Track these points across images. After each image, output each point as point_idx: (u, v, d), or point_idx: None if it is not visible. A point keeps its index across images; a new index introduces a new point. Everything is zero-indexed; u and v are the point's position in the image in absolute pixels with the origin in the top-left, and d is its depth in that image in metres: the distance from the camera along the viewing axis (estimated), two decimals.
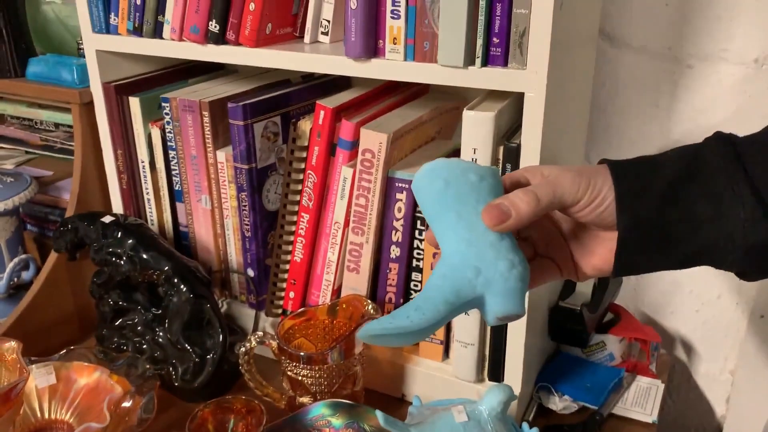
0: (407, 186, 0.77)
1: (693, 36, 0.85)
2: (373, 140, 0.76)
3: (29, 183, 0.98)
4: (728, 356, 0.94)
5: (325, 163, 0.80)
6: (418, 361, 0.83)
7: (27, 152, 1.17)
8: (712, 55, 0.84)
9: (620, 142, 0.93)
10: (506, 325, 0.74)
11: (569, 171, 0.47)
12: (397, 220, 0.79)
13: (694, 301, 0.94)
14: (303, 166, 0.82)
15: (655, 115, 0.90)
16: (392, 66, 0.70)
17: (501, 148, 0.68)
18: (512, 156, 0.68)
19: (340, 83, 0.91)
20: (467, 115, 0.68)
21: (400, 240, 0.80)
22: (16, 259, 0.97)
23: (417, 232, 0.79)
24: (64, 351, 0.83)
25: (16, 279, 0.99)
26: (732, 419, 0.95)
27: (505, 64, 0.64)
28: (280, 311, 0.90)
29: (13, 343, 0.57)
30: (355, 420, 0.70)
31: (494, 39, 0.64)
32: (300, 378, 0.75)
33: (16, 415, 0.54)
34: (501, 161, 0.69)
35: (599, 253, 0.51)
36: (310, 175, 0.81)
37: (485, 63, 0.65)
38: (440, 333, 0.81)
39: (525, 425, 0.64)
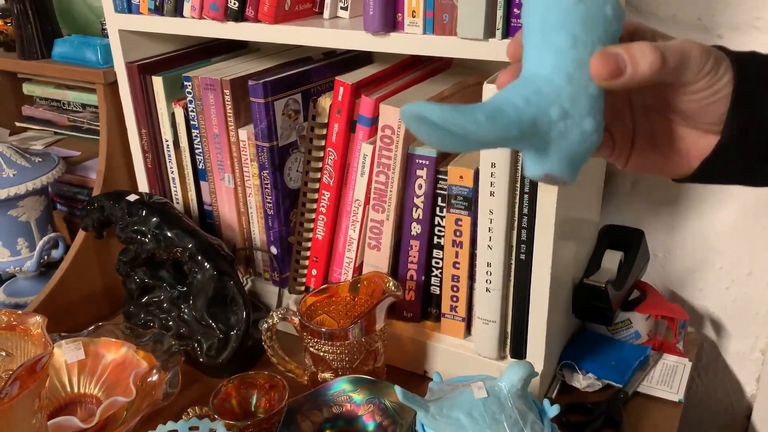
0: (427, 162, 0.76)
1: (723, 5, 0.82)
2: (393, 116, 0.75)
3: (57, 163, 1.00)
4: (759, 334, 0.92)
5: (345, 140, 0.80)
6: (439, 337, 0.83)
7: (55, 133, 1.19)
8: (745, 24, 0.81)
9: None
10: (528, 302, 0.74)
11: (697, 44, 0.40)
12: (418, 197, 0.79)
13: (723, 278, 0.92)
14: (323, 143, 0.82)
15: None
16: (411, 39, 0.69)
17: None
18: None
19: (362, 59, 0.90)
20: (488, 87, 0.66)
21: (420, 217, 0.80)
22: (45, 238, 0.99)
23: (438, 209, 0.79)
24: (93, 327, 0.84)
25: (46, 257, 1.01)
26: (762, 398, 0.93)
27: None
28: (302, 288, 0.90)
29: (38, 318, 0.58)
30: (375, 396, 0.71)
31: (515, 10, 0.63)
32: (322, 354, 0.75)
33: (42, 388, 0.55)
34: None
35: (666, 152, 0.44)
36: (330, 153, 0.81)
37: (506, 35, 0.64)
38: (462, 309, 0.81)
39: (546, 402, 0.64)
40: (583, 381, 0.80)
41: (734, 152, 0.42)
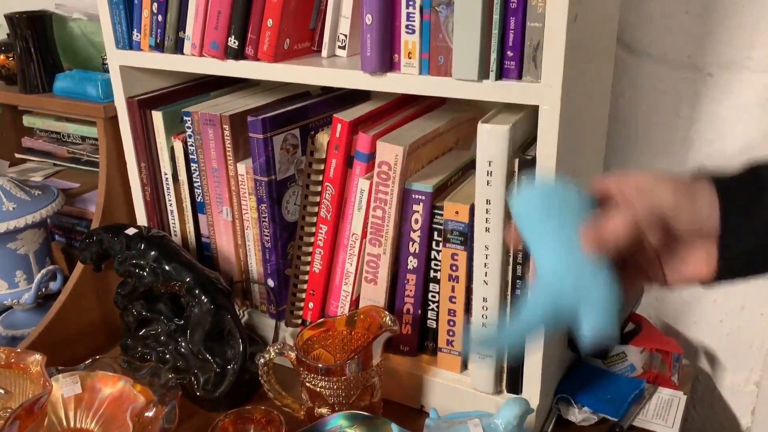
0: (424, 197, 0.78)
1: (714, 44, 0.84)
2: (390, 152, 0.76)
3: (56, 195, 1.01)
4: (753, 367, 0.92)
5: (343, 175, 0.81)
6: (436, 372, 0.83)
7: (55, 164, 1.20)
8: (735, 63, 0.83)
9: (641, 152, 0.93)
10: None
11: (667, 182, 0.45)
12: (414, 231, 0.80)
13: (717, 311, 0.93)
14: (321, 178, 0.83)
15: (676, 124, 0.89)
16: (407, 80, 0.70)
17: (516, 161, 0.69)
18: (527, 167, 0.68)
19: (359, 95, 0.92)
20: (482, 128, 0.68)
21: (417, 251, 0.80)
22: (43, 270, 1.00)
23: (434, 243, 0.80)
24: (90, 361, 0.84)
25: (44, 289, 1.01)
26: (758, 431, 0.93)
27: (519, 77, 0.65)
28: (299, 321, 0.91)
29: (37, 356, 0.59)
30: (372, 431, 0.71)
31: (508, 53, 0.64)
32: (318, 389, 0.75)
33: (40, 427, 0.56)
34: (516, 174, 0.69)
35: (692, 261, 0.48)
36: (327, 187, 0.82)
37: (499, 76, 0.65)
38: (458, 344, 0.81)
39: None
40: (578, 415, 0.80)
41: (741, 255, 0.45)
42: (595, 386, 0.85)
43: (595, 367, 0.88)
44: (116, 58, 0.91)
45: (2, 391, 0.59)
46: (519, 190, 0.50)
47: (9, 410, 0.53)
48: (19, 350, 0.59)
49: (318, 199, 0.84)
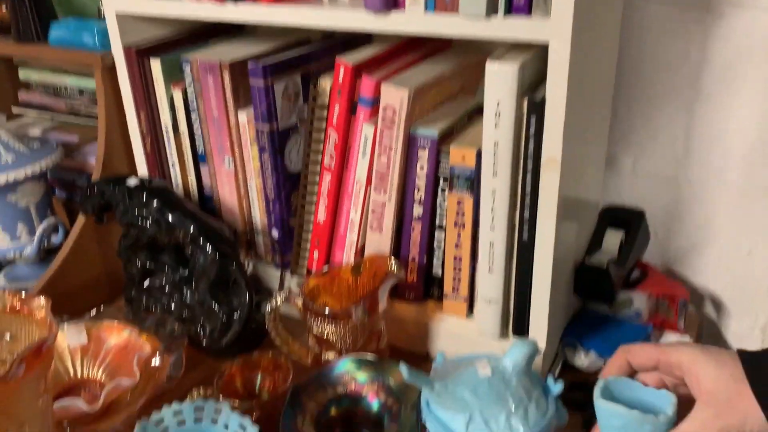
0: (429, 143, 0.76)
1: None
2: (394, 96, 0.75)
3: (55, 148, 0.99)
4: (759, 313, 0.92)
5: (346, 121, 0.80)
6: (442, 318, 0.83)
7: (53, 118, 1.18)
8: (746, 2, 0.81)
9: (649, 95, 0.91)
10: (531, 281, 0.74)
11: (718, 418, 0.49)
12: (420, 178, 0.79)
13: (724, 257, 0.92)
14: (324, 125, 0.81)
15: (685, 66, 0.88)
16: (412, 18, 0.68)
17: (525, 102, 0.67)
18: (537, 110, 0.66)
19: (362, 40, 0.90)
20: (490, 67, 0.66)
21: (422, 198, 0.80)
22: (45, 223, 0.99)
23: (440, 190, 0.79)
24: (94, 311, 0.84)
25: (46, 242, 1.01)
26: None
27: (528, 12, 0.63)
28: (304, 271, 0.91)
29: (42, 300, 0.58)
30: (379, 375, 0.71)
31: None
32: (325, 335, 0.75)
33: (47, 370, 0.55)
34: (525, 115, 0.67)
35: None
36: (331, 134, 0.81)
37: (508, 10, 0.63)
38: (464, 290, 0.81)
39: (550, 379, 0.64)
40: (584, 359, 0.81)
41: None
42: (601, 332, 0.84)
43: (600, 314, 0.88)
44: (112, 5, 0.88)
45: (8, 336, 0.59)
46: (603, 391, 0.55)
47: (16, 354, 0.53)
48: (23, 294, 0.59)
49: (321, 146, 0.83)
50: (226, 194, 0.94)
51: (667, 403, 0.52)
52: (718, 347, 0.52)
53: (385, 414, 0.69)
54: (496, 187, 0.71)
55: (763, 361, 0.49)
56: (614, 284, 0.83)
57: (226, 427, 0.67)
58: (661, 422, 0.51)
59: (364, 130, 0.78)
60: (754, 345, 0.94)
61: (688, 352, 0.51)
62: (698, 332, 0.92)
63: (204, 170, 0.95)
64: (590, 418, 0.74)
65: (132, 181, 0.87)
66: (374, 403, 0.70)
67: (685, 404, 0.52)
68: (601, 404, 0.53)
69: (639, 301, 0.86)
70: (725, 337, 0.96)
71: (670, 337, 0.85)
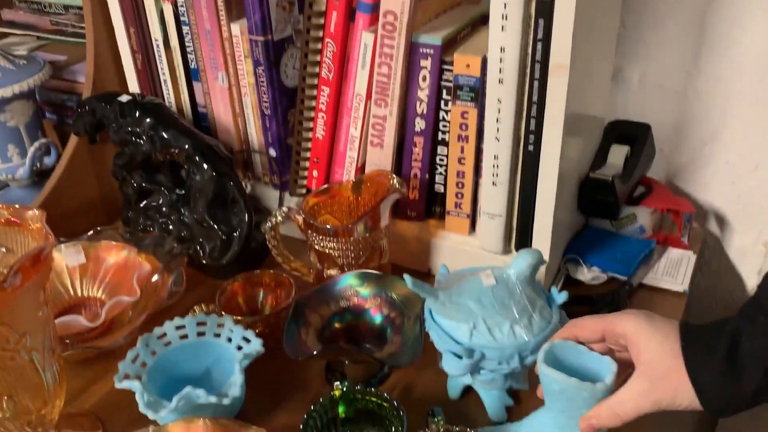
0: (432, 51, 0.73)
1: None
2: (395, 1, 0.71)
3: (43, 65, 0.96)
4: (762, 228, 0.92)
5: (345, 29, 0.76)
6: (444, 235, 0.82)
7: (39, 38, 1.14)
8: None
9: (659, 5, 0.87)
10: (535, 194, 0.73)
11: (652, 391, 0.50)
12: (422, 90, 0.76)
13: (730, 172, 0.91)
14: (321, 34, 0.78)
15: None
16: None
17: (533, 3, 0.64)
18: (546, 11, 0.63)
19: None
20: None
21: (425, 112, 0.77)
22: (36, 144, 0.96)
23: (443, 102, 0.76)
24: (92, 232, 0.83)
25: (38, 164, 0.99)
26: None
27: None
28: (303, 191, 0.89)
29: (36, 212, 0.57)
30: (382, 289, 0.70)
31: None
32: (327, 251, 0.74)
33: (46, 280, 0.54)
34: (533, 17, 0.64)
35: None
36: (329, 44, 0.78)
37: None
38: (466, 206, 0.80)
39: (554, 289, 0.64)
40: (588, 274, 0.80)
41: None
42: (605, 247, 0.84)
43: (604, 230, 0.87)
44: None
45: (3, 250, 0.57)
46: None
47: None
48: (16, 205, 0.57)
49: (318, 58, 0.79)
50: (221, 112, 0.91)
51: (608, 371, 0.53)
52: (664, 318, 0.52)
53: (388, 327, 0.69)
54: (501, 95, 0.69)
55: (700, 337, 0.50)
56: (618, 198, 0.81)
57: (230, 340, 0.67)
58: (598, 390, 0.52)
59: (364, 39, 0.75)
60: (756, 260, 0.94)
61: (633, 323, 0.52)
62: (701, 247, 0.91)
63: (197, 87, 0.92)
64: None
65: (124, 98, 0.84)
66: (377, 316, 0.70)
67: (629, 370, 0.53)
68: (543, 369, 0.53)
69: (643, 216, 0.85)
70: (728, 253, 0.96)
71: (674, 252, 0.84)
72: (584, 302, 0.78)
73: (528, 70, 0.67)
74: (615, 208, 0.82)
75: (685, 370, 0.49)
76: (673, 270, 0.81)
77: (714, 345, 0.49)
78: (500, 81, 0.68)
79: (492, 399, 0.64)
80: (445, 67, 0.74)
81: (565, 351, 0.55)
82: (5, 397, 0.55)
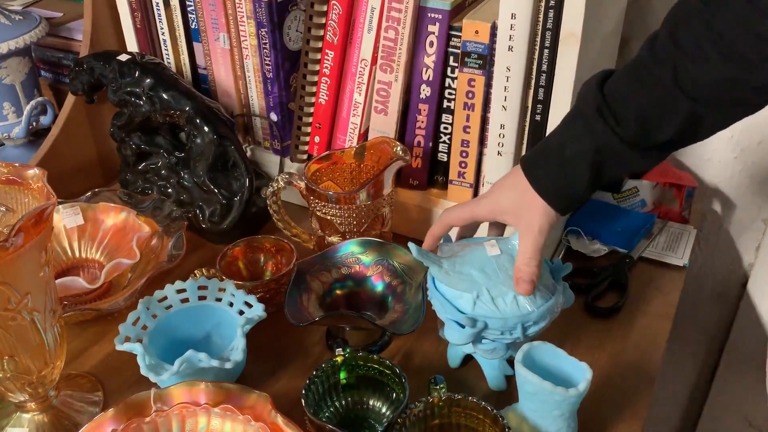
0: (440, 16, 0.72)
1: None
2: None
3: (39, 21, 0.93)
4: (762, 204, 0.92)
5: None
6: (446, 204, 0.82)
7: None
8: None
9: None
10: None
11: (531, 226, 0.58)
12: (429, 55, 0.75)
13: (733, 147, 0.90)
14: None
15: None
16: None
17: None
18: None
19: None
20: None
21: (431, 78, 0.76)
22: (33, 102, 0.94)
23: (449, 69, 0.75)
24: (90, 193, 0.82)
25: (34, 123, 0.97)
26: (760, 267, 0.94)
27: None
28: (305, 157, 0.88)
29: (36, 171, 0.56)
30: (384, 257, 0.70)
31: None
32: (329, 217, 0.74)
33: (47, 240, 0.54)
34: None
35: None
36: (334, 6, 0.76)
37: None
38: (470, 176, 0.79)
39: (558, 260, 0.64)
40: (589, 246, 0.80)
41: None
42: (606, 220, 0.84)
43: (605, 203, 0.87)
44: None
45: (4, 209, 0.57)
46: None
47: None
48: (16, 164, 0.56)
49: (323, 20, 0.78)
50: (222, 75, 0.90)
51: (582, 377, 0.54)
52: (511, 173, 0.60)
53: (389, 295, 0.69)
54: (510, 63, 0.68)
55: (533, 158, 0.58)
56: None
57: (231, 305, 0.67)
58: (570, 395, 0.53)
59: (371, 2, 0.73)
60: (755, 236, 0.94)
61: (487, 201, 0.60)
62: (701, 222, 0.91)
63: (198, 48, 0.90)
64: (593, 301, 0.75)
65: (123, 57, 0.83)
66: (379, 284, 0.70)
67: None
68: (519, 369, 0.55)
69: (645, 190, 0.85)
70: (727, 229, 0.96)
71: (674, 227, 0.84)
72: (585, 274, 0.78)
73: (538, 38, 0.66)
74: (617, 180, 0.82)
75: (533, 188, 0.57)
76: (674, 244, 0.82)
77: (547, 157, 0.57)
78: (510, 48, 0.67)
79: (492, 368, 0.64)
80: (453, 33, 0.73)
81: (544, 353, 0.57)
82: (6, 357, 0.55)
